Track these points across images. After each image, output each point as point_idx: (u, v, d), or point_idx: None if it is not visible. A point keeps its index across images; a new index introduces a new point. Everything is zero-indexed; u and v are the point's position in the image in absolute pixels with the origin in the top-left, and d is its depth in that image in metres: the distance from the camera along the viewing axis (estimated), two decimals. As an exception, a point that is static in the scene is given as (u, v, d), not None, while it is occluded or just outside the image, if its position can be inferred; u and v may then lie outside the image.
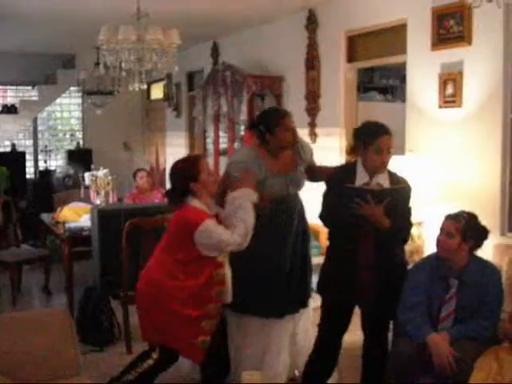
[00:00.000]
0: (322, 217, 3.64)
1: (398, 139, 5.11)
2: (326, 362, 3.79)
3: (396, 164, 4.44)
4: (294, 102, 6.57)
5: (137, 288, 3.56)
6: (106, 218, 5.10)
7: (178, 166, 3.55)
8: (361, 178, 3.50)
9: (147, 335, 3.52)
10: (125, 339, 4.79)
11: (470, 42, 4.56)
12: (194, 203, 3.44)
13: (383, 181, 3.50)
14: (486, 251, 4.10)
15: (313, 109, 6.39)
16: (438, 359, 3.26)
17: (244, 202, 3.46)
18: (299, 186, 3.99)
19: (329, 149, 5.87)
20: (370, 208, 3.35)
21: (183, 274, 3.39)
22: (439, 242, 3.49)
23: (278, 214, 3.90)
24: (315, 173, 4.07)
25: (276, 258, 3.89)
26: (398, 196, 3.47)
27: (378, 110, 6.58)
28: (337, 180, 3.59)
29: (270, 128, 3.84)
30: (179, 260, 3.40)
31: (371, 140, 3.46)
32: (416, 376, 3.35)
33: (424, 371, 3.35)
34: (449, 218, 3.50)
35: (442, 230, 3.49)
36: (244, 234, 3.39)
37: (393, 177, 3.58)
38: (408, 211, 3.57)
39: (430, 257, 3.73)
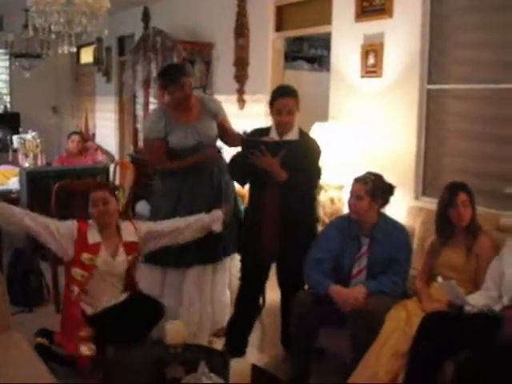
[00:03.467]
0: (231, 174, 3.93)
1: (322, 107, 5.34)
2: (243, 315, 4.01)
3: (319, 130, 4.68)
4: (224, 69, 6.69)
5: None
6: (34, 179, 5.13)
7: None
8: (271, 138, 3.74)
9: None
10: (54, 300, 4.85)
11: (391, 15, 4.74)
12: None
13: (290, 137, 3.73)
14: (401, 213, 4.37)
15: (241, 76, 6.51)
16: (343, 305, 3.47)
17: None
18: (208, 135, 4.10)
19: (256, 115, 6.01)
20: (265, 160, 3.57)
21: None
22: (351, 206, 3.68)
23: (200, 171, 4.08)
24: (226, 132, 4.25)
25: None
26: (296, 150, 3.63)
27: (304, 78, 6.74)
28: (246, 140, 3.84)
29: (166, 86, 4.04)
30: None
31: (272, 101, 3.74)
32: (314, 325, 3.56)
33: (322, 322, 3.57)
34: (357, 181, 3.68)
35: (351, 193, 3.67)
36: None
37: (303, 136, 3.81)
38: (313, 168, 3.79)
39: (340, 217, 3.95)
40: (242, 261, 4.03)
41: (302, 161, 3.66)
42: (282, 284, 4.01)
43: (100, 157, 7.11)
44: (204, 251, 4.02)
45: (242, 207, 4.34)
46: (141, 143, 7.91)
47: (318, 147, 3.86)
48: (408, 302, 3.52)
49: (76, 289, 3.62)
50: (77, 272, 3.62)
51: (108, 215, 3.70)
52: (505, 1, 4.07)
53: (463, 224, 3.53)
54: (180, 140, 4.03)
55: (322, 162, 3.91)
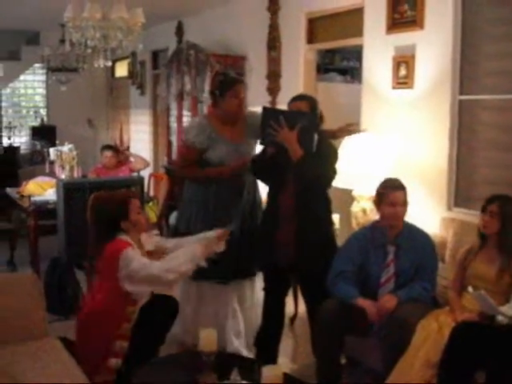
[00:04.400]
0: (254, 171, 3.98)
1: (355, 118, 5.37)
2: (270, 325, 4.05)
3: (352, 141, 4.71)
4: (256, 81, 6.75)
5: None
6: (71, 190, 5.21)
7: (108, 205, 3.69)
8: None
9: None
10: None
11: (422, 27, 4.76)
12: (122, 236, 3.56)
13: None
14: (433, 224, 4.38)
15: (274, 88, 6.57)
16: (374, 316, 3.49)
17: (191, 262, 3.56)
18: (250, 154, 4.16)
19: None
20: (283, 133, 3.60)
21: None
22: (392, 214, 3.67)
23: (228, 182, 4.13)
24: None
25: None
26: (314, 125, 3.70)
27: (336, 90, 6.80)
28: None
29: (222, 91, 4.10)
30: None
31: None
32: (341, 334, 3.57)
33: (348, 330, 3.59)
34: (396, 188, 3.71)
35: (392, 201, 3.66)
36: (169, 270, 3.45)
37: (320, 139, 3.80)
38: (329, 166, 3.79)
39: (363, 228, 3.97)
40: (262, 269, 4.08)
41: (322, 152, 3.69)
42: (304, 292, 4.03)
43: (134, 163, 7.17)
44: (243, 265, 4.10)
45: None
46: (175, 155, 8.01)
47: (335, 150, 3.88)
48: (439, 313, 3.52)
49: (126, 325, 3.51)
50: (129, 310, 3.53)
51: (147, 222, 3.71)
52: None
53: (487, 232, 3.53)
54: (220, 156, 4.10)
55: (337, 167, 3.88)
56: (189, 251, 3.59)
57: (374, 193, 4.62)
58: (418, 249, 3.67)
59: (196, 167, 4.17)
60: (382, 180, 3.83)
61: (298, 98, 3.89)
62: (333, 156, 3.84)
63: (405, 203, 3.70)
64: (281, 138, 3.64)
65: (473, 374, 3.07)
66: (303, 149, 3.61)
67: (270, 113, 3.80)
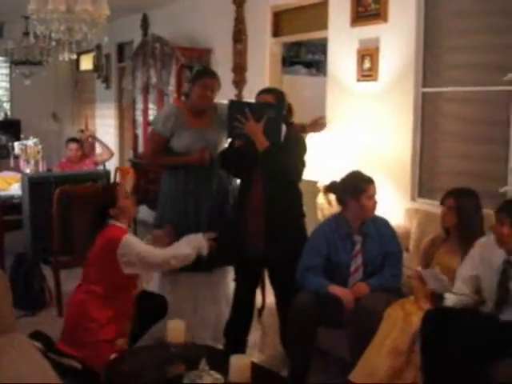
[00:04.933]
0: (222, 164, 4.00)
1: (320, 111, 5.41)
2: (240, 316, 4.08)
3: (316, 135, 4.74)
4: (222, 74, 6.59)
5: None
6: (36, 185, 5.18)
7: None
8: None
9: None
10: (56, 303, 4.92)
11: (385, 20, 4.82)
12: (115, 222, 3.68)
13: None
14: (397, 215, 4.45)
15: (239, 81, 6.59)
16: (347, 301, 3.55)
17: (192, 249, 3.74)
18: (215, 144, 4.16)
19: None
20: (249, 124, 3.65)
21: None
22: (374, 206, 3.77)
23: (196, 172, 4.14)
24: None
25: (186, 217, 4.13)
26: (280, 116, 3.74)
27: (302, 83, 6.83)
28: None
29: (193, 81, 4.17)
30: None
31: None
32: (314, 326, 3.62)
33: (321, 322, 3.64)
34: (371, 181, 3.78)
35: (372, 195, 3.76)
36: (171, 256, 3.66)
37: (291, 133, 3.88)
38: (297, 158, 3.82)
39: (328, 220, 4.00)
40: (234, 259, 4.10)
41: (291, 148, 3.74)
42: (274, 283, 4.06)
43: (98, 154, 7.16)
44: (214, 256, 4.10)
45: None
46: (141, 149, 7.98)
47: (303, 142, 3.91)
48: (405, 301, 3.58)
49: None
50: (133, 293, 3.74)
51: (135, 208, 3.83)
52: (497, 5, 4.15)
53: (445, 225, 3.63)
54: (185, 144, 4.10)
55: (306, 159, 3.93)
56: (193, 240, 3.77)
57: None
58: (383, 237, 3.76)
59: (165, 156, 4.18)
60: (351, 174, 3.87)
61: (265, 91, 3.94)
62: (301, 148, 3.87)
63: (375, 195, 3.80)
64: (247, 129, 3.68)
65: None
66: (270, 140, 3.65)
67: (236, 105, 3.84)
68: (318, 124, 4.49)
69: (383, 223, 3.85)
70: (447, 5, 4.50)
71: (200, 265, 3.89)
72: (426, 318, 3.23)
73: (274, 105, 3.76)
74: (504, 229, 3.15)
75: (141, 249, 3.59)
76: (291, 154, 3.75)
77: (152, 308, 3.79)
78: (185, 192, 4.14)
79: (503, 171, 4.13)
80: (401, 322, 3.40)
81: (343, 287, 3.65)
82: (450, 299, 3.35)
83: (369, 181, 3.78)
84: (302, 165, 3.87)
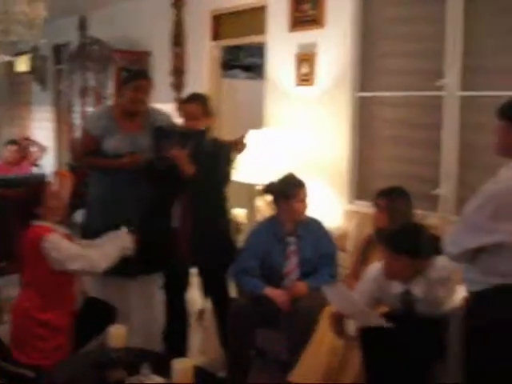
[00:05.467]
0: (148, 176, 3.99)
1: (258, 115, 5.46)
2: (174, 321, 4.11)
3: (255, 137, 4.80)
4: (160, 77, 6.71)
5: None
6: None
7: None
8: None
9: None
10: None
11: (322, 25, 4.90)
12: (40, 222, 3.62)
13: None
14: (336, 217, 4.54)
15: (178, 84, 6.58)
16: (283, 303, 3.63)
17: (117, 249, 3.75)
18: (145, 150, 4.08)
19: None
20: (174, 151, 3.71)
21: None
22: (300, 209, 3.84)
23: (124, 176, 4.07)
24: None
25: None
26: (205, 142, 3.82)
27: (241, 86, 6.88)
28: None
29: (126, 82, 4.16)
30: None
31: (180, 106, 4.05)
32: (252, 327, 3.69)
33: (259, 324, 3.72)
34: (302, 185, 3.86)
35: (299, 197, 3.83)
36: (99, 257, 3.64)
37: (217, 143, 3.96)
38: (221, 169, 3.90)
39: (263, 222, 4.11)
40: (162, 266, 4.11)
41: (210, 157, 3.77)
42: (206, 288, 4.10)
43: (35, 153, 7.08)
44: (148, 262, 4.09)
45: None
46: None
47: (229, 153, 4.00)
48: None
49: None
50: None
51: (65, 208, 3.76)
52: (430, 11, 4.27)
53: (378, 225, 3.70)
54: (115, 147, 4.05)
55: (232, 168, 4.05)
56: (116, 239, 3.77)
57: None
58: (317, 238, 3.85)
59: (96, 158, 4.11)
60: (283, 178, 3.95)
61: (190, 100, 3.95)
62: (227, 159, 3.95)
63: (306, 198, 3.86)
64: (172, 156, 3.72)
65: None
66: (196, 165, 3.71)
67: (162, 132, 3.89)
68: (239, 144, 4.54)
69: (317, 224, 3.94)
70: (382, 11, 4.61)
71: (128, 269, 3.91)
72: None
73: (198, 132, 3.82)
74: (396, 263, 3.12)
75: (65, 247, 3.53)
76: (217, 167, 3.82)
77: (98, 314, 3.74)
78: (112, 196, 4.07)
79: (435, 174, 4.26)
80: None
81: (278, 289, 3.72)
82: (350, 325, 3.33)
83: (299, 184, 3.86)
84: (228, 176, 3.95)
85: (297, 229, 3.85)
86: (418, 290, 3.14)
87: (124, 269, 3.91)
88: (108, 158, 4.07)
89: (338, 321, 3.32)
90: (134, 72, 4.24)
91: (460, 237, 2.46)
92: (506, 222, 2.32)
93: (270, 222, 3.97)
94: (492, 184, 2.40)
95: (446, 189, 4.18)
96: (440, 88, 4.18)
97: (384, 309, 3.35)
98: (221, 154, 3.91)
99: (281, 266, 3.80)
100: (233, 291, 4.14)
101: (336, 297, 3.32)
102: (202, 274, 4.05)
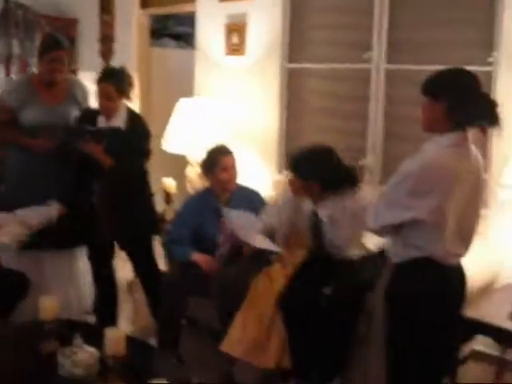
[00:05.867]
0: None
1: (188, 84, 5.45)
2: (103, 291, 4.13)
3: (185, 106, 4.79)
4: (89, 45, 6.61)
5: None
6: None
7: None
8: (100, 122, 3.86)
9: None
10: None
11: (253, -4, 4.93)
12: None
13: (120, 123, 3.82)
14: (266, 187, 4.60)
15: (106, 52, 6.45)
16: (209, 271, 3.71)
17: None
18: (65, 121, 4.02)
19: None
20: (89, 146, 3.70)
21: None
22: (229, 179, 3.87)
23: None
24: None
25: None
26: (120, 136, 3.76)
27: (170, 55, 6.83)
28: (80, 121, 3.95)
29: (42, 53, 3.98)
30: None
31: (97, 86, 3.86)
32: (184, 296, 3.75)
33: (190, 292, 3.77)
34: (226, 153, 3.90)
35: (227, 166, 3.85)
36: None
37: (132, 120, 3.87)
38: (139, 151, 3.86)
39: (197, 194, 4.16)
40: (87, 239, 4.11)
41: (126, 146, 3.73)
42: (132, 263, 4.11)
43: None
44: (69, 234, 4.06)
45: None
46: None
47: (145, 130, 3.92)
48: (271, 269, 3.70)
49: None
50: None
51: None
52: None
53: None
54: (33, 117, 3.96)
55: (151, 143, 3.98)
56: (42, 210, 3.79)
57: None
58: (253, 207, 3.86)
59: (8, 129, 3.99)
60: (209, 149, 3.98)
61: (102, 79, 3.81)
62: (144, 138, 3.88)
63: (234, 166, 3.89)
64: (88, 151, 3.71)
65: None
66: (113, 157, 3.70)
67: (71, 131, 3.85)
68: None
69: (253, 194, 3.99)
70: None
71: (41, 243, 3.89)
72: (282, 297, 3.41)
73: (113, 130, 3.78)
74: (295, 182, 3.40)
75: None
76: (135, 147, 3.79)
77: (10, 285, 3.66)
78: (32, 169, 3.98)
79: (362, 145, 4.37)
80: (266, 290, 3.55)
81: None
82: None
83: (222, 152, 3.89)
84: (147, 152, 3.92)
85: (231, 200, 3.89)
86: (323, 212, 3.31)
87: (38, 242, 3.88)
88: (23, 130, 3.96)
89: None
90: (48, 42, 4.06)
91: (380, 212, 2.52)
92: (422, 199, 2.40)
93: (203, 193, 4.01)
94: (411, 160, 2.46)
95: (372, 159, 4.29)
96: (367, 60, 4.27)
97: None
98: (137, 133, 3.85)
99: (214, 236, 3.85)
100: (162, 263, 4.19)
101: (237, 221, 3.55)
102: (125, 249, 4.07)
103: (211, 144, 4.06)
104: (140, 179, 3.97)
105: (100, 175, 3.83)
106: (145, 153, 3.91)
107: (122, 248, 4.07)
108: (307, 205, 3.47)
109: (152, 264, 4.05)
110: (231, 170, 3.88)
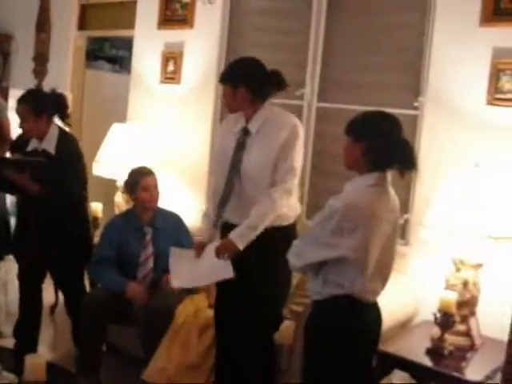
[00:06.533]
0: None
1: (122, 109, 5.45)
2: (28, 314, 4.04)
3: (118, 131, 4.79)
4: (23, 63, 6.54)
5: None
6: None
7: None
8: (32, 144, 3.83)
9: None
10: None
11: (191, 26, 4.99)
12: None
13: (49, 146, 3.78)
14: (195, 217, 4.60)
15: (40, 71, 6.41)
16: (140, 302, 3.69)
17: None
18: None
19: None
20: (14, 175, 3.66)
21: None
22: (149, 199, 3.90)
23: None
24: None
25: None
26: (46, 164, 3.68)
27: (105, 79, 6.82)
28: (12, 146, 3.95)
29: None
30: None
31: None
32: (105, 323, 3.74)
33: (113, 320, 3.77)
34: (147, 173, 3.95)
35: (147, 187, 3.89)
36: None
37: (62, 142, 3.81)
38: (70, 178, 3.77)
39: (120, 214, 4.22)
40: (18, 261, 4.05)
41: (56, 173, 3.67)
42: (59, 285, 4.07)
43: None
44: None
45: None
46: None
47: (77, 152, 3.89)
48: (195, 297, 3.78)
49: None
50: None
51: None
52: (295, 23, 4.50)
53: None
54: None
55: (83, 166, 3.96)
56: None
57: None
58: (175, 231, 3.94)
59: None
60: (132, 170, 4.02)
61: (19, 100, 3.79)
62: (73, 164, 3.83)
63: (156, 186, 3.94)
64: (14, 179, 3.67)
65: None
66: (46, 183, 3.65)
67: None
68: None
69: (175, 218, 4.04)
70: (250, 19, 4.77)
71: None
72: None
73: (32, 161, 3.73)
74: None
75: None
76: (65, 175, 3.72)
77: None
78: None
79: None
80: (191, 318, 3.59)
81: (133, 278, 3.80)
82: None
83: (143, 173, 3.94)
84: (80, 177, 3.89)
85: (154, 220, 3.92)
86: (253, 126, 3.17)
87: None
88: None
89: None
90: None
91: (304, 250, 2.58)
92: (348, 238, 2.46)
93: (127, 214, 4.07)
94: (336, 200, 2.53)
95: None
96: (300, 97, 4.38)
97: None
98: (68, 156, 3.80)
99: (137, 255, 3.86)
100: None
101: (179, 262, 3.43)
102: (53, 270, 4.02)
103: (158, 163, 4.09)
104: (77, 205, 3.93)
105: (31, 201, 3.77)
106: (79, 177, 3.87)
107: (52, 269, 4.01)
108: None
109: (82, 289, 4.01)
110: (152, 189, 3.92)
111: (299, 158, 3.14)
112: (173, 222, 4.00)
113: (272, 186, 3.07)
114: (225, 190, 3.17)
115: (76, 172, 3.83)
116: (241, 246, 3.03)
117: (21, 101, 3.76)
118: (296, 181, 3.14)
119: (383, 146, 2.50)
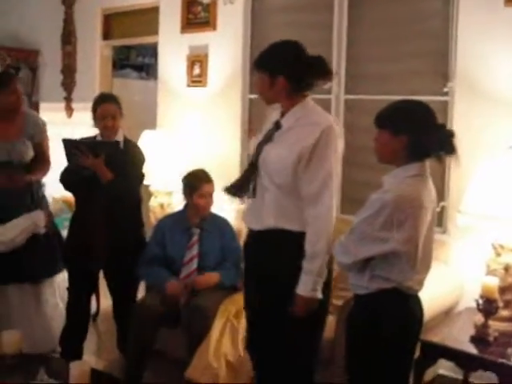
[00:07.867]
0: (63, 183, 3.90)
1: (151, 115, 5.48)
2: (75, 323, 4.04)
3: (148, 138, 4.83)
4: (51, 76, 6.63)
5: None
6: None
7: None
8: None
9: None
10: None
11: (214, 28, 5.01)
12: None
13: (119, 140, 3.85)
14: (230, 216, 4.63)
15: (69, 83, 6.49)
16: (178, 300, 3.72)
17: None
18: (21, 156, 4.03)
19: (84, 123, 5.99)
20: (89, 159, 3.66)
21: None
22: (205, 204, 3.93)
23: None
24: (38, 157, 4.18)
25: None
26: (117, 152, 3.76)
27: (132, 86, 6.88)
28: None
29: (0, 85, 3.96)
30: None
31: (96, 107, 3.84)
32: (155, 328, 3.73)
33: (161, 323, 3.76)
34: (206, 181, 3.96)
35: (205, 193, 3.92)
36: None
37: (128, 143, 3.92)
38: (134, 173, 3.86)
39: (170, 214, 4.24)
40: (69, 270, 4.07)
41: (123, 164, 3.73)
42: (112, 290, 4.09)
43: None
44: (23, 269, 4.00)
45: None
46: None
47: (141, 154, 3.99)
48: (236, 297, 3.75)
49: None
50: None
51: None
52: (317, 19, 4.50)
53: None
54: None
55: (145, 169, 4.02)
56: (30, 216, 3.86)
57: (170, 188, 4.85)
58: (222, 234, 3.96)
59: None
60: (192, 172, 4.03)
61: (107, 100, 3.86)
62: (139, 161, 3.94)
63: (212, 195, 3.97)
64: (88, 164, 3.67)
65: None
66: (112, 171, 3.68)
67: (70, 143, 3.77)
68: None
69: (223, 222, 4.06)
70: (272, 17, 4.76)
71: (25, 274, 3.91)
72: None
73: (107, 142, 3.79)
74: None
75: None
76: (131, 168, 3.80)
77: None
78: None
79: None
80: (232, 318, 3.59)
81: (177, 278, 3.81)
82: None
83: (202, 180, 3.94)
84: (142, 177, 3.97)
85: (202, 223, 3.94)
86: (286, 122, 2.86)
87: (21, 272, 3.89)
88: None
89: None
90: (8, 74, 4.01)
91: (352, 247, 2.51)
92: (397, 231, 2.40)
93: (178, 213, 4.08)
94: (382, 193, 2.45)
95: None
96: (328, 91, 4.36)
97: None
98: (135, 156, 3.91)
99: (182, 255, 3.88)
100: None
101: None
102: (110, 276, 4.04)
103: (176, 175, 4.09)
104: (135, 208, 3.97)
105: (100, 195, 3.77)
106: (139, 179, 3.94)
107: (105, 275, 4.03)
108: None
109: (134, 296, 4.03)
110: (209, 197, 3.94)
111: (332, 160, 2.70)
112: (220, 225, 4.02)
113: (291, 192, 2.75)
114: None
115: (138, 170, 3.91)
116: (319, 295, 2.71)
117: (113, 100, 3.84)
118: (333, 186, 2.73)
119: (426, 136, 2.43)
